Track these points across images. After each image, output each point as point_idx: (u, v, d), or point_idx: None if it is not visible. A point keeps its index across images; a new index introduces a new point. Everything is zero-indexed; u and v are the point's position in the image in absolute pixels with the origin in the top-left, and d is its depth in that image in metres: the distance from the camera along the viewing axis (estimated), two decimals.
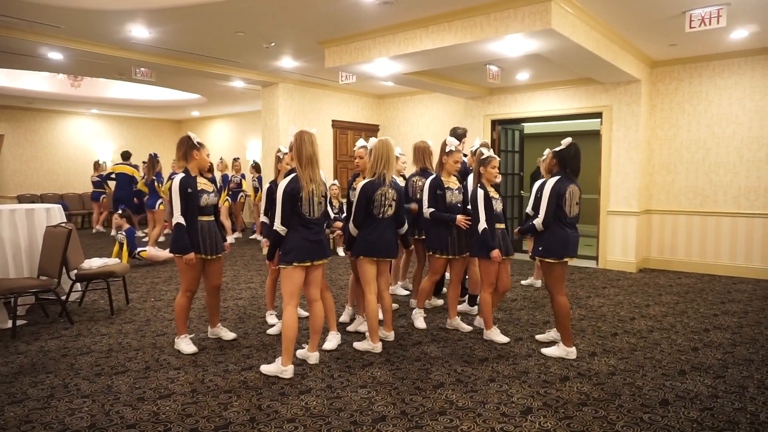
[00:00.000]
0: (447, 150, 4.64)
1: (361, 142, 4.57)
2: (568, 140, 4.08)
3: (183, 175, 4.07)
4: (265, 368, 3.80)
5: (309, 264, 3.73)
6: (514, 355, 4.19)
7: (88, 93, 11.95)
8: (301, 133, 3.69)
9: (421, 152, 5.28)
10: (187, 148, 4.11)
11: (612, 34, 6.23)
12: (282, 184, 3.65)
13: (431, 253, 4.69)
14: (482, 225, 4.37)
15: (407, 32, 5.98)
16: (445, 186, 4.62)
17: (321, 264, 3.84)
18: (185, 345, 4.22)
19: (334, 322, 4.41)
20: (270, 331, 4.70)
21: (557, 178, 4.02)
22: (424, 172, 5.19)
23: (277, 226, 3.67)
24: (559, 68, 7.42)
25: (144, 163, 10.34)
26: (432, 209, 4.61)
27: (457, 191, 4.67)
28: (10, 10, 5.54)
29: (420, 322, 4.90)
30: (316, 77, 9.20)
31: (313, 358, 3.96)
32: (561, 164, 4.08)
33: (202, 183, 4.16)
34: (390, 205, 4.19)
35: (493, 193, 4.44)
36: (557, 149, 4.09)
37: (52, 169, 13.85)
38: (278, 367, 3.73)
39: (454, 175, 4.76)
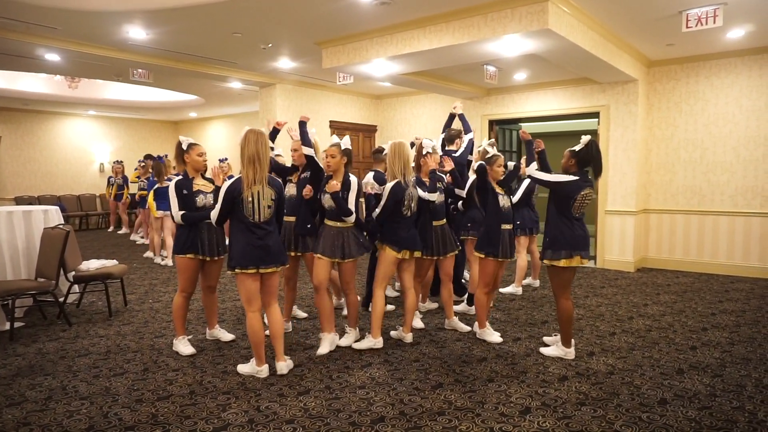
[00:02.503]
0: (424, 152, 4.51)
1: (334, 138, 4.20)
2: (587, 138, 3.95)
3: (180, 177, 4.15)
4: (241, 368, 3.84)
5: (254, 271, 3.59)
6: (513, 354, 4.19)
7: (85, 94, 11.94)
8: (247, 132, 3.61)
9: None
10: (178, 152, 4.21)
11: (609, 34, 6.24)
12: (226, 183, 3.62)
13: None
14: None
15: (405, 33, 5.98)
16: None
17: (273, 271, 3.68)
18: (183, 346, 4.23)
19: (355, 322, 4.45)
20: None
21: (575, 179, 3.90)
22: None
23: (213, 219, 3.66)
24: (556, 68, 7.43)
25: (140, 162, 10.42)
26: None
27: (438, 192, 4.60)
28: (6, 11, 5.53)
29: (417, 322, 4.90)
30: (314, 78, 9.20)
31: (282, 367, 3.77)
32: (580, 164, 3.96)
33: (199, 184, 4.16)
34: (415, 204, 4.35)
35: (498, 189, 4.42)
36: (575, 148, 3.95)
37: (49, 170, 13.83)
38: (253, 368, 3.75)
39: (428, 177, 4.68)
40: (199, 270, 4.21)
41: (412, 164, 4.45)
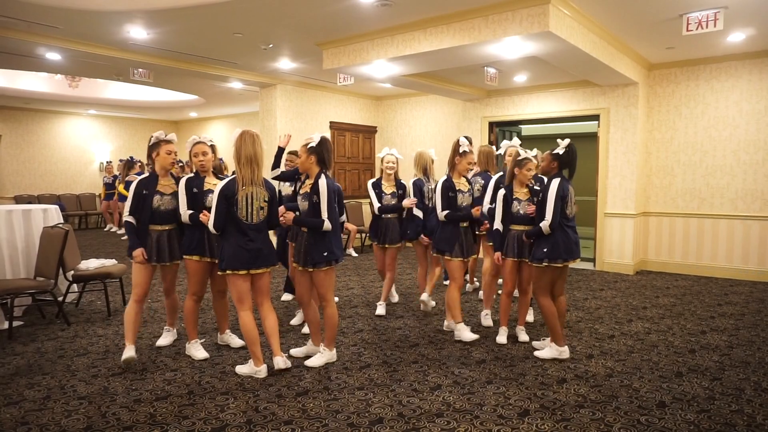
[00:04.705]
0: (461, 151, 4.52)
1: (314, 136, 3.92)
2: (567, 141, 4.03)
3: (191, 174, 4.08)
4: (240, 369, 3.82)
5: (245, 272, 3.61)
6: (512, 357, 4.19)
7: (85, 93, 11.94)
8: (242, 133, 3.60)
9: (485, 156, 5.59)
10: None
11: (609, 37, 6.25)
12: (219, 185, 3.59)
13: (444, 256, 4.54)
14: (496, 225, 4.44)
15: (405, 34, 5.98)
16: (456, 188, 4.53)
17: (264, 272, 3.71)
18: (196, 350, 4.14)
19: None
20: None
21: (559, 180, 3.97)
22: (483, 174, 5.51)
23: (210, 227, 3.61)
24: (556, 70, 7.43)
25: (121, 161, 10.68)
26: (447, 211, 4.47)
27: (467, 193, 4.60)
28: (8, 10, 5.53)
29: (468, 334, 4.53)
30: (314, 79, 9.20)
31: (279, 362, 3.76)
32: (562, 166, 4.03)
33: (210, 183, 4.04)
34: (430, 198, 5.10)
35: (520, 195, 4.37)
36: (557, 151, 4.02)
37: (49, 169, 13.83)
38: (251, 368, 3.74)
39: (464, 177, 4.68)
40: (208, 272, 4.12)
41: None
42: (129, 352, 3.91)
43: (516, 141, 5.11)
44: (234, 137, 3.62)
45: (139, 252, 3.91)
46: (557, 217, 3.94)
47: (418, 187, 5.26)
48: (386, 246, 5.34)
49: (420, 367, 3.96)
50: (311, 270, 3.83)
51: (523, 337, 4.57)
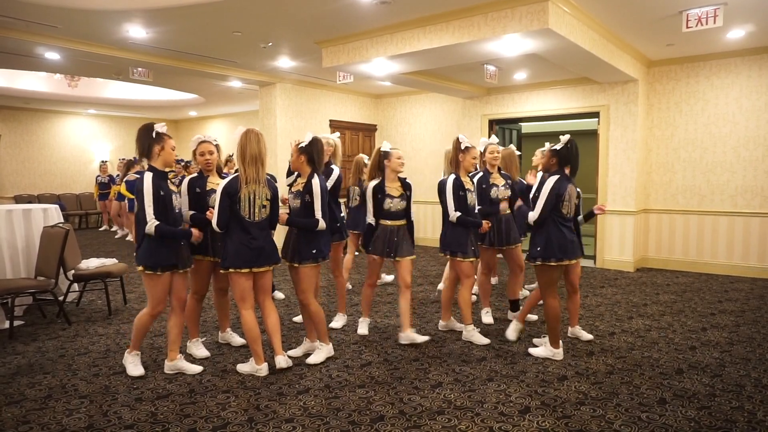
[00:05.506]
0: (463, 147, 4.38)
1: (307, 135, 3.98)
2: (567, 137, 4.00)
3: (194, 175, 4.09)
4: (241, 367, 3.83)
5: (247, 271, 3.62)
6: (512, 354, 4.19)
7: (85, 93, 11.94)
8: (247, 132, 3.61)
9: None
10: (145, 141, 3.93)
11: (609, 34, 6.24)
12: (222, 183, 3.60)
13: (455, 257, 4.41)
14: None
15: (405, 32, 5.98)
16: (465, 187, 4.40)
17: (266, 270, 3.71)
18: (196, 349, 4.14)
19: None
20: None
21: (557, 177, 3.93)
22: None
23: (214, 226, 3.60)
24: (556, 68, 7.43)
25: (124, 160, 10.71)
26: (459, 213, 4.32)
27: (473, 192, 4.49)
28: (7, 9, 5.53)
29: (479, 338, 4.46)
30: (314, 77, 9.20)
31: (281, 361, 3.78)
32: (561, 163, 3.98)
33: (213, 183, 4.04)
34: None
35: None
36: (556, 147, 4.00)
37: (49, 169, 13.84)
38: (252, 367, 3.75)
39: (468, 177, 4.53)
40: (210, 272, 4.12)
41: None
42: (138, 367, 3.80)
43: (494, 139, 5.04)
44: (237, 135, 3.63)
45: (197, 231, 3.74)
46: (545, 214, 3.90)
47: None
48: (397, 259, 4.45)
49: (421, 364, 3.96)
50: (296, 265, 3.86)
51: (586, 336, 4.54)
